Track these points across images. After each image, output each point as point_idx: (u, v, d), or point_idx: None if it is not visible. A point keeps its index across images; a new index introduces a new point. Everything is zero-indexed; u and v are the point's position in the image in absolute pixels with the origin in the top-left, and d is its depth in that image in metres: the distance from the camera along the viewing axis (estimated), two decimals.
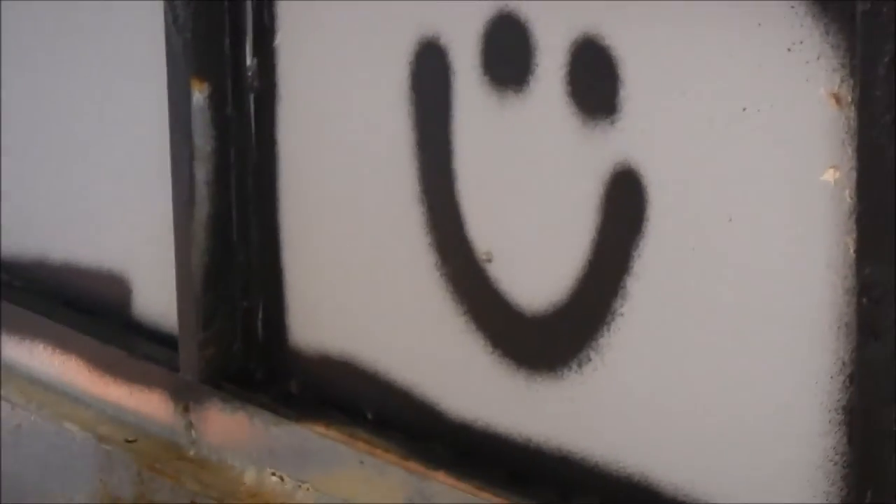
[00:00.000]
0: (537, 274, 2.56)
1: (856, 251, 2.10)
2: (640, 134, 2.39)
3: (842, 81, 2.11)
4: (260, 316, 3.01)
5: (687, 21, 2.31)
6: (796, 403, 2.23)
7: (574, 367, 2.52)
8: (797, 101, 2.17)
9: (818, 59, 2.14)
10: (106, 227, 3.27)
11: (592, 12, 2.42)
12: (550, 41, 2.48)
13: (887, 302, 2.06)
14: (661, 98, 2.37)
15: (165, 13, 2.92)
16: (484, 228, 2.63)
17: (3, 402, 3.35)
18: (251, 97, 2.94)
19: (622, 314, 2.45)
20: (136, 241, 3.18)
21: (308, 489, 2.87)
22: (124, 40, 3.11)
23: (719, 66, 2.28)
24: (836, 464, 2.19)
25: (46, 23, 3.34)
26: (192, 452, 3.03)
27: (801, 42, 2.15)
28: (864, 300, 2.08)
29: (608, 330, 2.47)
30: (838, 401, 2.18)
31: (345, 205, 2.84)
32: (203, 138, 2.93)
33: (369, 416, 2.83)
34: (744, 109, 2.24)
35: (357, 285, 2.85)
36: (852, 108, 2.09)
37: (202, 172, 2.94)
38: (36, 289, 3.41)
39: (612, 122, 2.42)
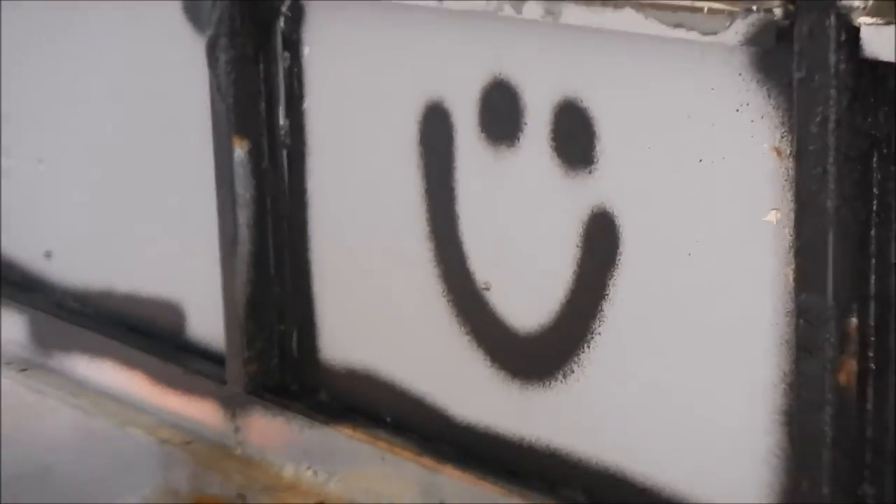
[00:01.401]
0: (528, 300, 2.57)
1: (794, 280, 2.11)
2: (614, 182, 2.40)
3: (782, 137, 2.13)
4: (294, 337, 3.01)
5: (652, 86, 2.32)
6: (746, 408, 2.24)
7: (560, 378, 2.53)
8: (745, 154, 2.19)
9: (762, 118, 2.15)
10: (163, 264, 3.28)
11: (572, 79, 2.43)
12: (537, 103, 2.49)
13: (820, 324, 2.07)
14: (631, 151, 2.37)
15: (210, 81, 2.93)
16: (483, 262, 2.63)
17: (76, 410, 3.36)
18: (284, 153, 2.94)
19: (600, 334, 2.46)
20: (189, 275, 3.19)
21: (337, 481, 2.87)
22: (178, 107, 3.11)
23: (679, 124, 2.29)
24: (778, 458, 2.21)
25: (111, 97, 3.36)
26: (238, 452, 3.04)
27: (748, 104, 2.17)
28: (801, 322, 2.10)
29: (588, 347, 2.48)
30: (780, 406, 2.19)
31: (366, 243, 2.84)
32: (244, 188, 2.93)
33: (388, 420, 2.84)
34: (700, 161, 2.26)
35: (377, 310, 2.86)
36: (791, 159, 2.10)
37: (243, 217, 2.94)
38: (104, 315, 3.42)
39: (590, 172, 2.42)
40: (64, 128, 3.46)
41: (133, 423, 3.24)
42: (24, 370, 3.51)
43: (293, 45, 2.89)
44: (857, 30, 1.99)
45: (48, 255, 3.54)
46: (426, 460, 2.72)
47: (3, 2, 3.53)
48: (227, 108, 2.92)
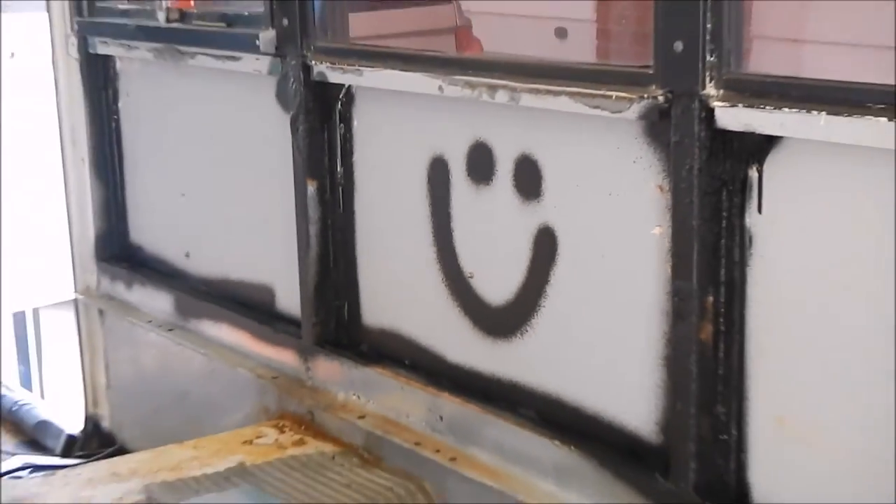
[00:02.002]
0: (498, 285, 2.55)
1: (671, 272, 2.12)
2: (553, 208, 2.40)
3: (664, 179, 2.13)
4: (345, 308, 2.98)
5: (579, 145, 2.32)
6: (640, 355, 2.24)
7: (519, 335, 2.51)
8: (639, 189, 2.19)
9: (650, 167, 2.16)
10: (262, 262, 3.27)
11: (527, 141, 2.43)
12: (504, 157, 2.48)
13: (688, 300, 2.08)
14: (565, 188, 2.37)
15: (292, 143, 2.92)
16: (468, 260, 2.62)
17: (203, 356, 3.35)
18: (340, 189, 2.92)
19: (544, 306, 2.45)
20: (277, 268, 3.17)
21: (372, 403, 2.86)
22: (272, 158, 3.10)
23: (596, 170, 2.29)
24: (661, 388, 2.21)
25: (229, 153, 3.35)
26: (308, 383, 3.02)
27: (641, 157, 2.17)
28: (676, 299, 2.11)
29: (537, 315, 2.46)
30: (662, 354, 2.19)
31: (392, 247, 2.83)
32: (313, 211, 2.92)
33: (406, 362, 2.81)
34: (610, 194, 2.26)
35: (399, 291, 2.84)
36: (669, 194, 2.10)
37: (313, 231, 2.93)
38: (222, 295, 3.40)
39: (538, 201, 2.42)
40: (198, 173, 3.46)
41: (240, 365, 3.22)
42: (170, 330, 3.50)
43: (346, 119, 2.88)
44: (712, 110, 2.00)
45: (187, 255, 3.53)
46: (431, 389, 2.70)
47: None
48: (303, 160, 2.91)
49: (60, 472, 3.02)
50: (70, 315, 4.01)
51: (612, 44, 3.73)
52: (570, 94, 2.24)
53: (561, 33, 3.94)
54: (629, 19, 3.67)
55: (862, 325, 1.92)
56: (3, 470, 3.71)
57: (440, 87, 2.52)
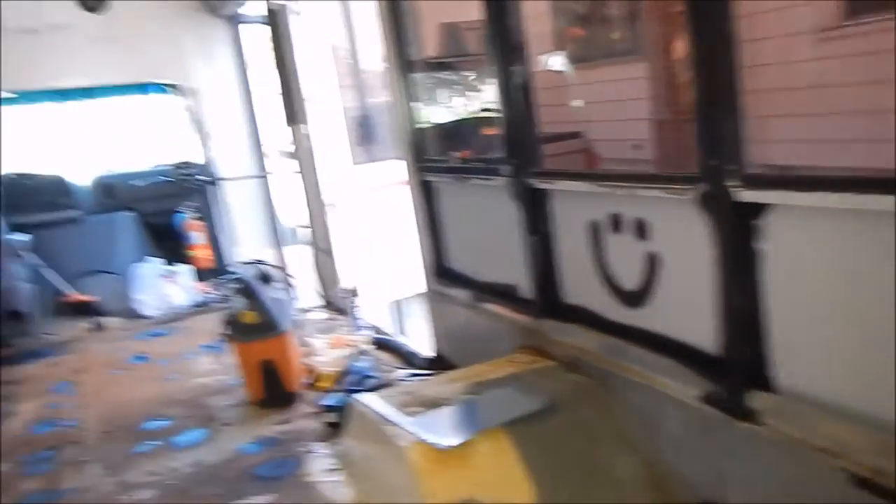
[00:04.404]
0: (628, 280, 2.49)
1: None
2: (657, 243, 2.34)
3: (708, 225, 2.07)
4: (554, 296, 2.89)
5: (664, 212, 2.28)
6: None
7: (641, 306, 2.44)
8: (693, 227, 2.11)
9: (696, 219, 2.08)
10: (511, 273, 3.15)
11: (640, 211, 2.38)
12: (628, 219, 2.45)
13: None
14: (662, 232, 2.32)
15: (519, 217, 2.88)
16: (611, 268, 2.57)
17: (487, 320, 3.24)
18: (546, 237, 2.85)
19: (653, 292, 2.39)
20: (519, 276, 3.08)
21: (571, 341, 2.77)
22: (512, 224, 3.00)
23: (674, 222, 2.22)
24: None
25: (475, 216, 3.37)
26: (539, 332, 2.90)
27: (694, 217, 2.10)
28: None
29: (650, 293, 2.40)
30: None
31: (574, 262, 2.73)
32: (535, 249, 2.82)
33: (586, 322, 2.75)
34: (681, 232, 2.20)
35: (578, 285, 2.76)
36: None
37: (535, 257, 2.85)
38: (495, 290, 3.26)
39: (649, 240, 2.37)
40: (475, 232, 3.46)
41: (502, 323, 3.15)
42: (470, 307, 3.38)
43: (545, 203, 2.82)
44: (732, 193, 1.95)
45: (475, 272, 3.49)
46: (599, 334, 2.65)
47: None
48: (527, 224, 2.83)
49: (427, 379, 3.11)
50: (422, 300, 4.09)
51: (663, 150, 3.73)
52: (659, 189, 2.24)
53: (636, 146, 3.93)
54: (669, 138, 3.68)
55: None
56: (399, 377, 3.92)
57: (590, 189, 2.53)
